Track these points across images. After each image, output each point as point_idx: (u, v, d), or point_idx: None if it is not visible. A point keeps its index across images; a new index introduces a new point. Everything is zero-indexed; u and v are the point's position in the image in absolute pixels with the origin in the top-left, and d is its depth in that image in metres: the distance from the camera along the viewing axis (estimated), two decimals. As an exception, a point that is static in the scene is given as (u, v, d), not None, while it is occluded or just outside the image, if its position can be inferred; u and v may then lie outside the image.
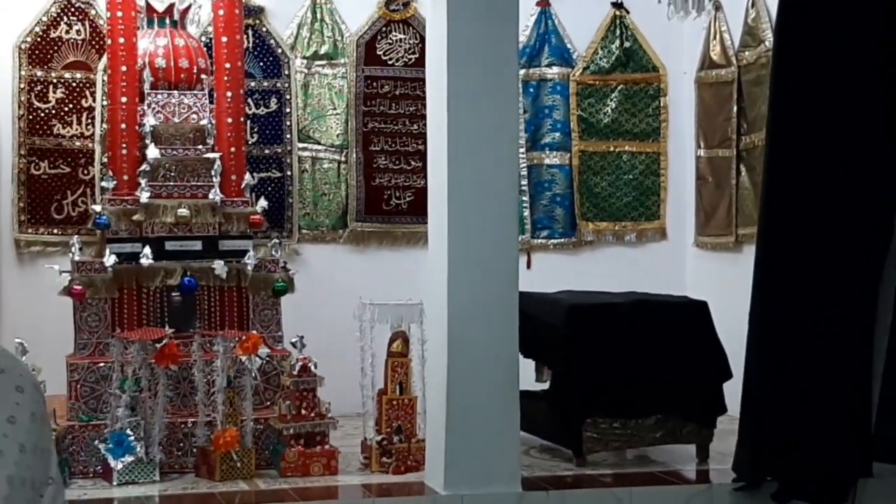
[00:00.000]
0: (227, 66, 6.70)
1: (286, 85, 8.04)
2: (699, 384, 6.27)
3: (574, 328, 6.23)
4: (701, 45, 8.29)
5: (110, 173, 6.60)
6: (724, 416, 6.28)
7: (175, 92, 6.64)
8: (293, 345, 6.24)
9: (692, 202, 8.50)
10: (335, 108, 8.14)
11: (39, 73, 7.56)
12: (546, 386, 6.52)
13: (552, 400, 6.32)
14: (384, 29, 8.22)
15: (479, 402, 5.44)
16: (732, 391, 6.10)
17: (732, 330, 6.15)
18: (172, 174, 6.60)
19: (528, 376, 6.36)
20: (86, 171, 7.61)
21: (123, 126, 6.57)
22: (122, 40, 6.54)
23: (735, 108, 7.95)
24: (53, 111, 7.57)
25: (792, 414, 5.22)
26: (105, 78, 7.18)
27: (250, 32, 7.84)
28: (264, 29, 8.01)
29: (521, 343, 5.56)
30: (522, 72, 8.13)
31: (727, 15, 8.08)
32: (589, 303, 6.44)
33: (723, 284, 7.64)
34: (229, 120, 6.70)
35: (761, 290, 5.46)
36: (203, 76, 6.72)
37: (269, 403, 6.33)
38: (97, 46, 7.57)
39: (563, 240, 8.55)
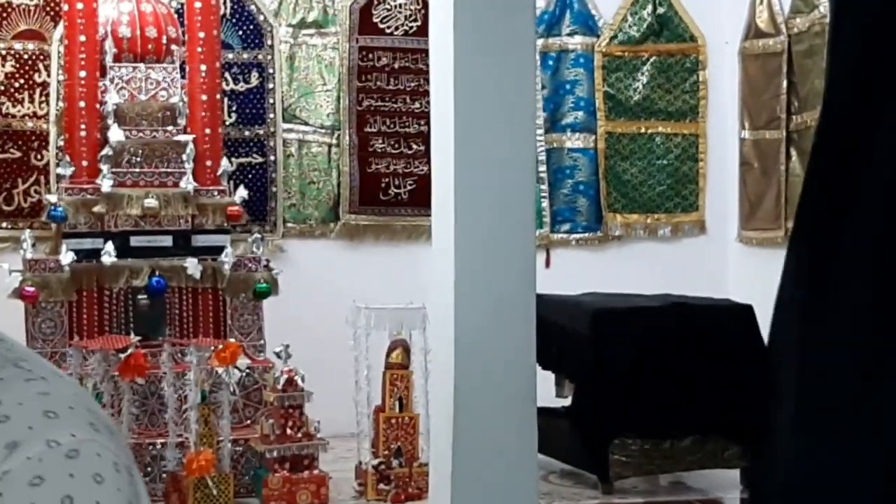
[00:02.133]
0: (202, 35, 6.70)
1: (269, 57, 8.04)
2: (743, 400, 6.26)
3: (600, 335, 6.22)
4: (745, 11, 8.28)
5: (67, 158, 6.60)
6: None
7: (141, 65, 6.64)
8: (277, 355, 6.24)
9: (735, 191, 8.49)
10: (325, 84, 8.14)
11: (-14, 44, 7.58)
12: (568, 402, 6.51)
13: (574, 418, 6.32)
14: (381, -8, 8.23)
15: (490, 421, 5.43)
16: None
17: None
18: (138, 159, 6.60)
19: (548, 391, 6.36)
20: (39, 156, 7.62)
21: (82, 104, 6.57)
22: (80, 6, 6.54)
23: (785, 84, 7.95)
24: (2, 87, 7.57)
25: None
26: (61, 49, 7.18)
27: (228, -3, 7.85)
28: (244, -7, 8.02)
29: (539, 353, 5.56)
30: (540, 42, 8.12)
31: (775, -24, 8.07)
32: (617, 307, 6.44)
33: (771, 285, 7.60)
34: (204, 97, 6.70)
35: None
36: (173, 47, 6.72)
37: (249, 422, 6.33)
38: (52, 13, 7.57)
39: (586, 234, 8.55)
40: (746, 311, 6.40)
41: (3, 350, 1.04)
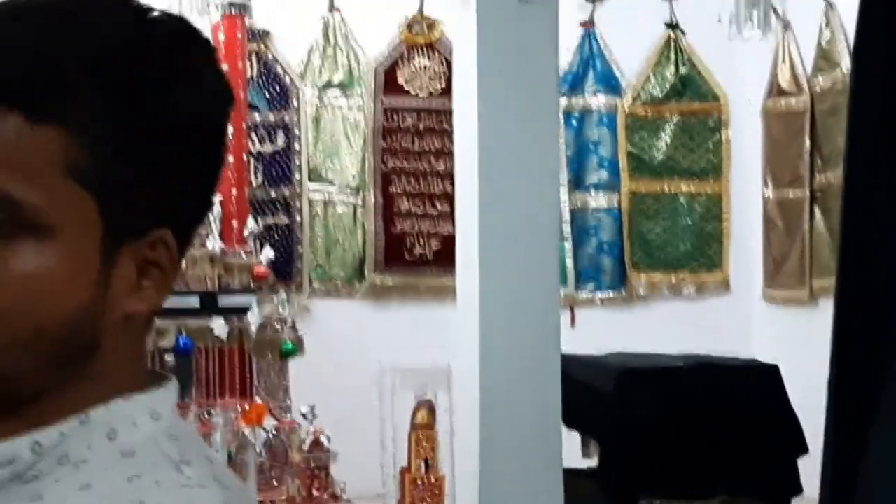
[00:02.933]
0: (228, 97, 6.74)
1: (295, 118, 8.09)
2: (770, 460, 6.21)
3: (625, 395, 6.19)
4: (768, 71, 8.29)
5: (95, 220, 6.63)
6: (799, 498, 6.21)
7: (169, 127, 6.69)
8: (303, 415, 6.23)
9: (759, 250, 8.46)
10: (350, 145, 8.17)
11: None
12: (594, 462, 6.47)
13: (601, 478, 6.28)
14: (406, 54, 8.27)
15: (516, 482, 5.40)
16: (809, 468, 6.03)
17: (808, 398, 6.09)
18: (165, 220, 6.63)
19: (573, 451, 6.32)
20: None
21: (110, 166, 6.62)
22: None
23: (808, 142, 7.94)
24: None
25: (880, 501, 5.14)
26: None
27: (254, 59, 7.89)
28: (270, 55, 8.07)
29: (564, 413, 5.53)
30: (564, 101, 8.14)
31: (797, 35, 8.08)
32: (642, 366, 6.41)
33: (796, 345, 7.58)
34: (230, 158, 6.73)
35: (840, 352, 5.40)
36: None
37: (275, 483, 6.31)
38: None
39: (611, 293, 8.52)
40: (772, 371, 6.37)
41: (172, 449, 1.01)
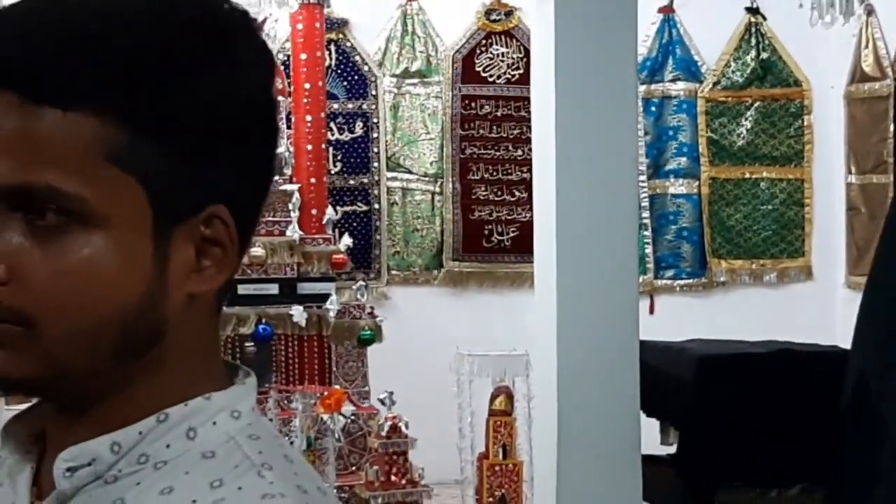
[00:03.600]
0: (307, 86, 6.80)
1: (373, 107, 8.14)
2: (852, 448, 6.16)
3: (705, 382, 6.17)
4: (851, 55, 8.22)
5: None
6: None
7: (248, 116, 6.76)
8: (381, 402, 6.27)
9: (842, 236, 8.39)
10: (428, 133, 8.21)
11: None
12: (672, 450, 6.46)
13: (680, 466, 6.26)
14: (484, 42, 8.29)
15: (594, 469, 5.41)
16: (892, 456, 5.99)
17: (891, 385, 6.05)
18: (245, 209, 6.70)
19: (652, 438, 6.32)
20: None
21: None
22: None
23: (892, 128, 7.86)
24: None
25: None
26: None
27: (333, 48, 7.96)
28: (348, 44, 8.12)
29: (643, 400, 5.53)
30: (643, 88, 8.12)
31: (881, 20, 7.99)
32: (722, 353, 6.38)
33: (879, 332, 7.52)
34: (309, 147, 6.79)
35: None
36: (279, 98, 6.84)
37: (354, 468, 6.36)
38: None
39: (691, 280, 8.49)
40: (854, 358, 6.31)
41: (253, 451, 1.00)
